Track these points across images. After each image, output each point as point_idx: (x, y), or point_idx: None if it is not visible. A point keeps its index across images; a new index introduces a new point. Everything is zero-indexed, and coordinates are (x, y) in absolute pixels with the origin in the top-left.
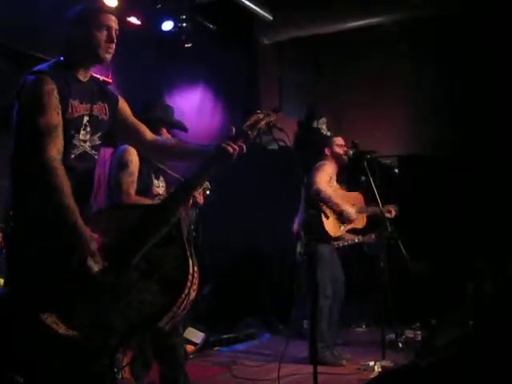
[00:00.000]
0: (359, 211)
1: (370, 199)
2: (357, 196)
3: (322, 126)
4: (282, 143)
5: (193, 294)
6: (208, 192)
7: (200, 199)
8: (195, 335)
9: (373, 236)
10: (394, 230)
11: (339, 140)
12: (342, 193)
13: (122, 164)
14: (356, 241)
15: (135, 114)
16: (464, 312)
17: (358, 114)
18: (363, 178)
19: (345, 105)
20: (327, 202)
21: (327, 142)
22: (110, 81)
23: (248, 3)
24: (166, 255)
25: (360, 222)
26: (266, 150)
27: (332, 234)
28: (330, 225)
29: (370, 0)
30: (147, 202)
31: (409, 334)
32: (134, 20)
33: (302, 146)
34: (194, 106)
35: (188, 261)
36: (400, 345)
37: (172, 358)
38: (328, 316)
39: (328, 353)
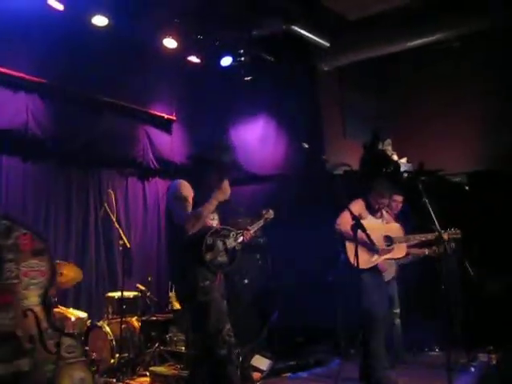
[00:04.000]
0: (398, 241)
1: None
2: (395, 227)
3: (388, 147)
4: (347, 168)
5: None
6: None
7: (247, 237)
8: (262, 362)
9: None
10: (457, 250)
11: (398, 197)
12: (377, 225)
13: (176, 196)
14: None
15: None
16: None
17: (424, 131)
18: (424, 200)
19: (410, 124)
20: (350, 238)
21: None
22: (175, 118)
23: (304, 32)
24: None
25: (399, 252)
26: (332, 174)
27: (361, 266)
28: (358, 257)
29: (426, 17)
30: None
31: (482, 357)
32: (193, 59)
33: (366, 169)
34: (257, 136)
35: None
36: (472, 369)
37: None
38: (383, 338)
39: (382, 374)
